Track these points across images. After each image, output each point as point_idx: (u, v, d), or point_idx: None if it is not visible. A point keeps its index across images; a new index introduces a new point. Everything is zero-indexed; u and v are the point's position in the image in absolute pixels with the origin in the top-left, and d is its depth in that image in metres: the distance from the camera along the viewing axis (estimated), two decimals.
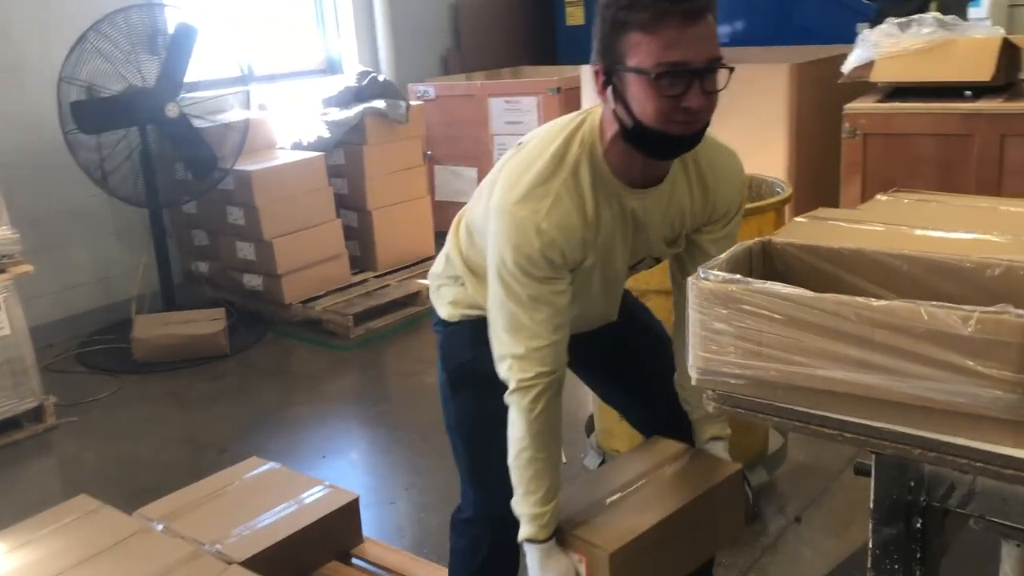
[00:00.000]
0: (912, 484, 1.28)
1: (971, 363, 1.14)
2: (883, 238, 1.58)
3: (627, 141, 1.55)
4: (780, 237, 1.52)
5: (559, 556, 1.68)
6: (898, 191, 1.88)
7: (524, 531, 1.68)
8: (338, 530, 2.35)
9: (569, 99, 5.30)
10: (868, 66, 3.50)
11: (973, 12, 4.79)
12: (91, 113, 4.18)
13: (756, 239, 1.49)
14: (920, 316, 1.17)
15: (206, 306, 4.67)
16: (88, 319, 4.71)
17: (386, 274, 5.15)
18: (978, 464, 1.18)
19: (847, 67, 3.59)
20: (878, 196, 1.86)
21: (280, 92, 5.48)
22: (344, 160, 5.10)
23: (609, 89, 1.52)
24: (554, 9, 6.78)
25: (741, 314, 1.28)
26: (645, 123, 1.49)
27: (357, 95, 5.14)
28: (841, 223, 1.67)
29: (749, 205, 2.37)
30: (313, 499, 2.37)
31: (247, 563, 2.07)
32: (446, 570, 2.10)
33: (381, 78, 5.30)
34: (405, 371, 4.25)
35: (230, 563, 2.05)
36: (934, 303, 1.16)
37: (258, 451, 2.88)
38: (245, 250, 4.74)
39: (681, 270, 1.80)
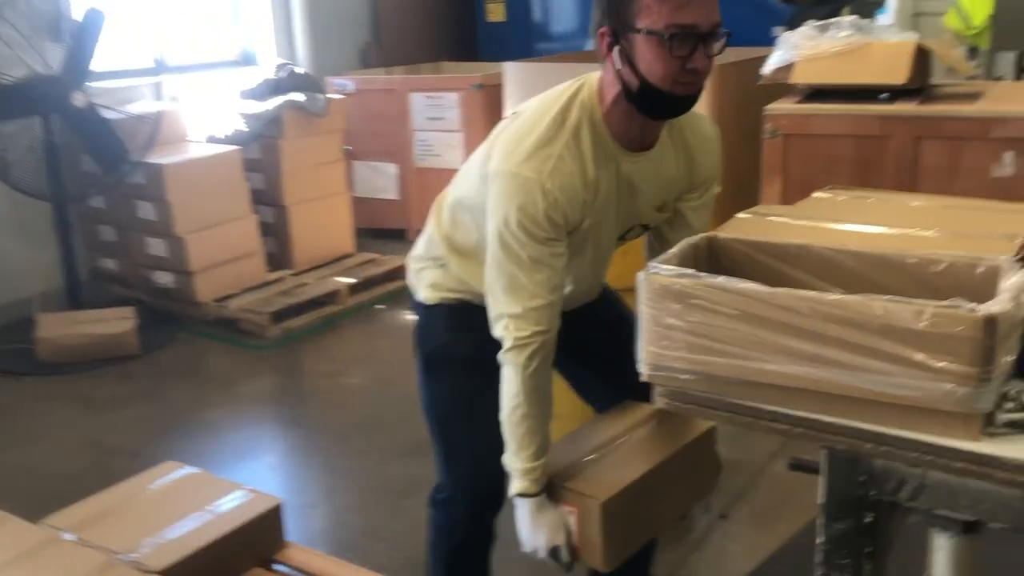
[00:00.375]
0: (863, 479, 1.28)
1: (923, 357, 1.15)
2: (825, 234, 1.59)
3: (630, 102, 1.62)
4: (725, 233, 1.51)
5: (550, 509, 1.73)
6: (834, 188, 1.89)
7: (516, 486, 1.73)
8: (260, 536, 2.28)
9: (491, 95, 5.25)
10: (788, 68, 3.55)
11: (879, 20, 4.93)
12: None
13: (701, 235, 1.49)
14: (873, 311, 1.17)
15: (114, 304, 4.48)
16: None
17: (304, 272, 5.02)
18: (929, 458, 1.19)
19: (767, 68, 3.63)
20: (815, 193, 1.88)
21: (194, 83, 5.30)
22: (260, 154, 4.96)
23: (616, 50, 1.59)
24: (474, 5, 6.74)
25: (693, 309, 1.27)
26: (652, 82, 1.56)
27: (275, 88, 5.01)
28: (783, 219, 1.67)
29: None
30: (233, 504, 2.29)
31: (166, 572, 1.98)
32: (370, 573, 2.08)
33: (299, 71, 5.18)
34: (324, 371, 4.13)
35: (147, 572, 1.96)
36: (887, 297, 1.17)
37: (172, 455, 2.74)
38: (156, 246, 4.58)
39: (659, 239, 1.85)
